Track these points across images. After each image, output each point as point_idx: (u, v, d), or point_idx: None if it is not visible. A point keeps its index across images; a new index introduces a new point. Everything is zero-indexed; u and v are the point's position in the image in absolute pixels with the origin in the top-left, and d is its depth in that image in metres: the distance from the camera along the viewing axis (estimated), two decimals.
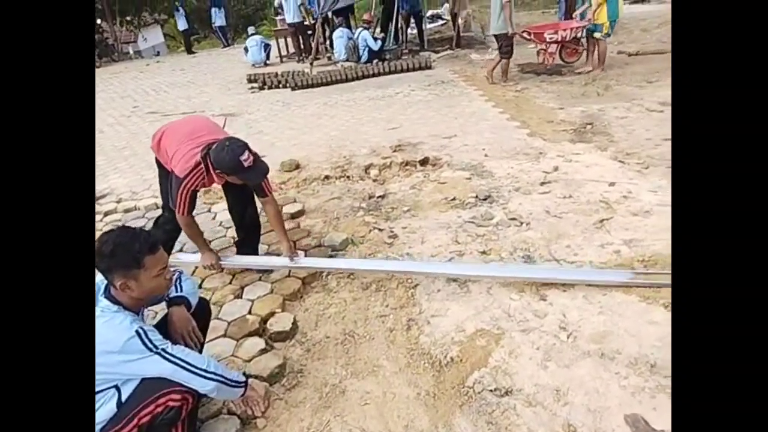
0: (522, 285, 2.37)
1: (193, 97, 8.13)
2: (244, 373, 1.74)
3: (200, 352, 1.76)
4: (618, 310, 2.14)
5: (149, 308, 1.71)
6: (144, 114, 7.17)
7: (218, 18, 14.85)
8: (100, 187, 4.36)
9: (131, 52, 21.71)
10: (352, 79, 7.80)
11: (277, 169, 4.24)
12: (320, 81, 7.75)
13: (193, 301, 1.74)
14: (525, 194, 3.39)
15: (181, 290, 1.72)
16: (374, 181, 3.97)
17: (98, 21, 16.98)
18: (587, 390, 1.77)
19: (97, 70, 13.28)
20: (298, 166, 4.24)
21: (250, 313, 2.36)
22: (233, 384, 1.58)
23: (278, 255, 2.73)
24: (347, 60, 8.95)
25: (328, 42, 10.16)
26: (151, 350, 1.40)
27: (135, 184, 4.38)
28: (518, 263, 2.62)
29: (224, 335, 2.23)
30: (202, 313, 1.80)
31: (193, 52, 14.97)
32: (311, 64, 8.60)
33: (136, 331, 1.40)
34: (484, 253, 2.76)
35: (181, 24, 14.50)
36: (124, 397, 1.46)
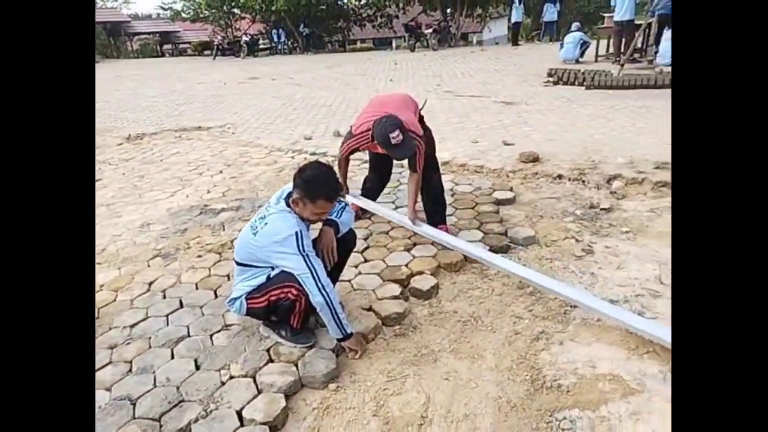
0: None
1: (489, 83, 8.62)
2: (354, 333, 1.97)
3: (334, 269, 2.12)
4: None
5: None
6: (441, 92, 8.08)
7: (549, 13, 14.89)
8: None
9: (474, 41, 24.13)
10: (665, 87, 6.68)
11: (515, 158, 4.23)
12: (621, 84, 6.96)
13: (343, 229, 2.10)
14: None
15: (340, 217, 2.10)
16: (612, 193, 3.50)
17: (448, 10, 19.53)
18: None
19: (431, 52, 15.50)
20: (535, 159, 4.11)
21: (406, 266, 2.60)
22: (337, 322, 1.87)
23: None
24: (670, 65, 7.67)
25: (655, 44, 8.88)
26: (299, 251, 1.81)
27: None
28: None
29: (378, 274, 2.55)
30: (346, 241, 2.15)
31: (518, 44, 15.54)
32: (622, 64, 7.75)
33: (296, 232, 1.82)
34: None
35: (515, 16, 15.16)
36: (271, 275, 1.95)
